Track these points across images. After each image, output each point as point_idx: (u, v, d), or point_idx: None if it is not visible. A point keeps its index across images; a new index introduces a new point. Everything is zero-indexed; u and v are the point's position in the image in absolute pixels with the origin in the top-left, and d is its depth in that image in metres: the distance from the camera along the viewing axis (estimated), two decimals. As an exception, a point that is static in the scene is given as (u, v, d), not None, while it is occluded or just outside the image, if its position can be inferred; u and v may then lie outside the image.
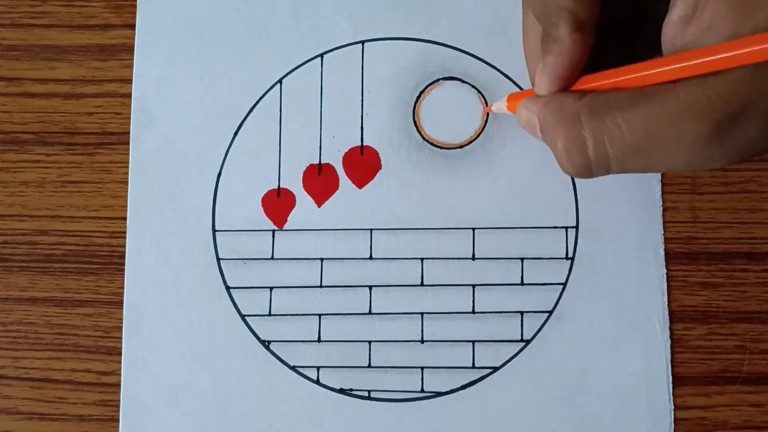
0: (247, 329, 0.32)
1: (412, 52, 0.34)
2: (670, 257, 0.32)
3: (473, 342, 0.32)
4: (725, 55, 0.21)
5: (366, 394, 0.32)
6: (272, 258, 0.32)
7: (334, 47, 0.34)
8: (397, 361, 0.32)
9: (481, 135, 0.33)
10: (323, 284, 0.32)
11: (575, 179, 0.32)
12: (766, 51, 0.20)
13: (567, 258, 0.32)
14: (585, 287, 0.32)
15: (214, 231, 0.33)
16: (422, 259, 0.32)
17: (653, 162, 0.23)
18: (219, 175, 0.33)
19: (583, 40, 0.24)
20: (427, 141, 0.33)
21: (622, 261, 0.32)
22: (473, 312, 0.32)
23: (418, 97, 0.33)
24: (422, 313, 0.32)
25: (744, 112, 0.21)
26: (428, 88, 0.33)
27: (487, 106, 0.33)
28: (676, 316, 0.32)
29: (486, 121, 0.33)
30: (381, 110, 0.33)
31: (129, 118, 0.34)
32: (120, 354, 0.32)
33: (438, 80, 0.33)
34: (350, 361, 0.32)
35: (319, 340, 0.32)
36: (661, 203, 0.32)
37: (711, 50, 0.21)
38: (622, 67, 0.24)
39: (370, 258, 0.32)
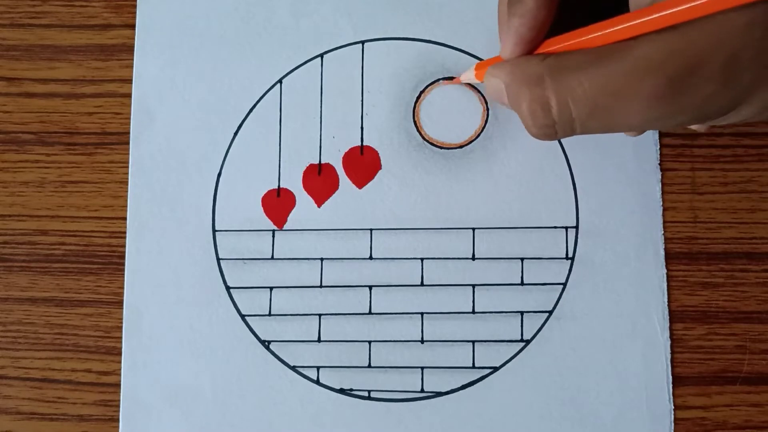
0: (247, 329, 0.32)
1: (412, 52, 0.34)
2: (670, 257, 0.32)
3: (473, 342, 0.32)
4: (679, 8, 0.20)
5: (366, 394, 0.32)
6: (272, 258, 0.32)
7: (334, 47, 0.34)
8: (397, 361, 0.32)
9: (481, 135, 0.33)
10: (323, 284, 0.32)
11: (575, 179, 0.32)
12: (719, 1, 0.20)
13: (567, 258, 0.32)
14: (585, 287, 0.32)
15: (214, 231, 0.33)
16: (422, 259, 0.32)
17: (614, 120, 0.23)
18: (219, 175, 0.33)
19: (548, 2, 0.24)
20: (427, 141, 0.33)
21: (622, 261, 0.32)
22: (473, 312, 0.32)
23: (418, 97, 0.33)
24: (422, 313, 0.32)
25: (699, 66, 0.21)
26: (428, 88, 0.33)
27: (458, 77, 0.32)
28: (676, 316, 0.32)
29: (486, 121, 0.33)
30: (381, 110, 0.33)
31: (129, 118, 0.34)
32: (120, 354, 0.32)
33: (438, 80, 0.33)
34: (350, 361, 0.32)
35: (319, 340, 0.32)
36: (661, 203, 0.32)
37: (665, 5, 0.21)
38: (584, 28, 0.24)
39: (370, 258, 0.32)
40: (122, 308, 0.32)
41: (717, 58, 0.21)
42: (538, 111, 0.24)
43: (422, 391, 0.31)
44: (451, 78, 0.33)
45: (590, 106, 0.23)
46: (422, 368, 0.32)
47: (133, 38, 0.34)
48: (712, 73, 0.21)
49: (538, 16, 0.24)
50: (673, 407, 0.31)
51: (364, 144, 0.33)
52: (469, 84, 0.33)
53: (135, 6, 0.34)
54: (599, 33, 0.23)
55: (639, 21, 0.22)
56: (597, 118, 0.23)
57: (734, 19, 0.20)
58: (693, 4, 0.20)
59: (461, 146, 0.33)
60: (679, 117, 0.22)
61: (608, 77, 0.22)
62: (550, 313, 0.32)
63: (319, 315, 0.32)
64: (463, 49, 0.33)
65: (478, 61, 0.30)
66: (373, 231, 0.32)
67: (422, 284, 0.32)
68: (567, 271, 0.32)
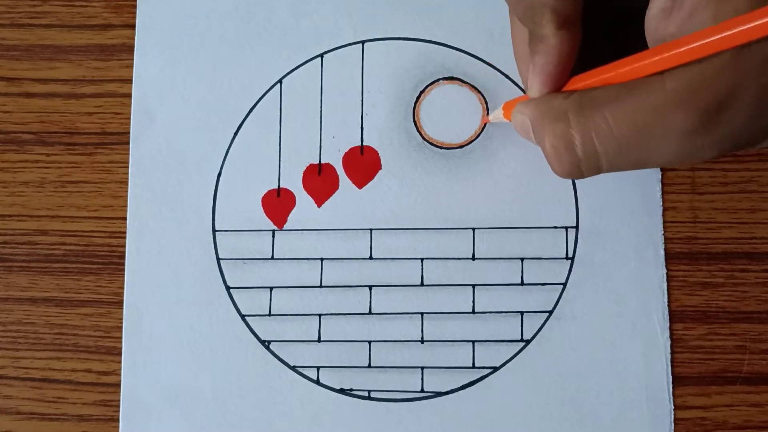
0: (247, 329, 0.32)
1: (412, 52, 0.34)
2: (670, 257, 0.32)
3: (473, 342, 0.32)
4: (707, 40, 0.20)
5: (366, 394, 0.32)
6: (272, 258, 0.32)
7: (334, 47, 0.34)
8: (397, 361, 0.32)
9: (481, 135, 0.33)
10: (323, 284, 0.32)
11: (575, 180, 0.32)
12: (747, 33, 0.20)
13: (567, 258, 0.32)
14: (585, 287, 0.32)
15: (214, 231, 0.33)
16: (422, 259, 0.32)
17: (643, 156, 0.23)
18: (219, 175, 0.33)
19: (570, 37, 0.24)
20: (427, 141, 0.33)
21: (622, 261, 0.32)
22: (473, 312, 0.32)
23: (418, 97, 0.33)
24: (422, 313, 0.32)
25: (730, 99, 0.21)
26: (428, 88, 0.33)
27: (486, 114, 0.33)
28: (676, 316, 0.32)
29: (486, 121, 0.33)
30: (381, 110, 0.33)
31: (129, 118, 0.34)
32: (120, 354, 0.32)
33: (438, 80, 0.33)
34: (350, 361, 0.32)
35: (319, 340, 0.32)
36: (661, 203, 0.32)
37: (692, 38, 0.21)
38: (610, 64, 0.24)
39: (370, 258, 0.32)
40: (122, 308, 0.32)
41: (748, 90, 0.21)
42: (561, 148, 0.23)
43: (422, 391, 0.31)
44: (454, 78, 0.33)
45: (617, 142, 0.22)
46: (422, 368, 0.32)
47: (133, 38, 0.34)
48: (744, 105, 0.21)
49: (562, 52, 0.24)
50: (673, 407, 0.31)
51: (364, 144, 0.33)
52: (470, 84, 0.33)
53: (135, 6, 0.34)
54: (626, 68, 0.23)
55: (667, 55, 0.21)
56: (625, 155, 0.23)
57: (763, 49, 0.20)
58: (721, 35, 0.20)
59: (461, 146, 0.33)
60: (711, 150, 0.22)
61: (637, 112, 0.22)
62: (550, 313, 0.32)
63: (319, 315, 0.32)
64: (463, 49, 0.33)
65: (505, 102, 0.31)
66: (373, 231, 0.32)
67: (422, 284, 0.32)
68: (567, 271, 0.32)
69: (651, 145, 0.22)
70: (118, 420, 0.32)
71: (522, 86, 0.31)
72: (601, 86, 0.23)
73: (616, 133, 0.22)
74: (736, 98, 0.21)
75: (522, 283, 0.32)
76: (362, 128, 0.33)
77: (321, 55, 0.34)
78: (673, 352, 0.31)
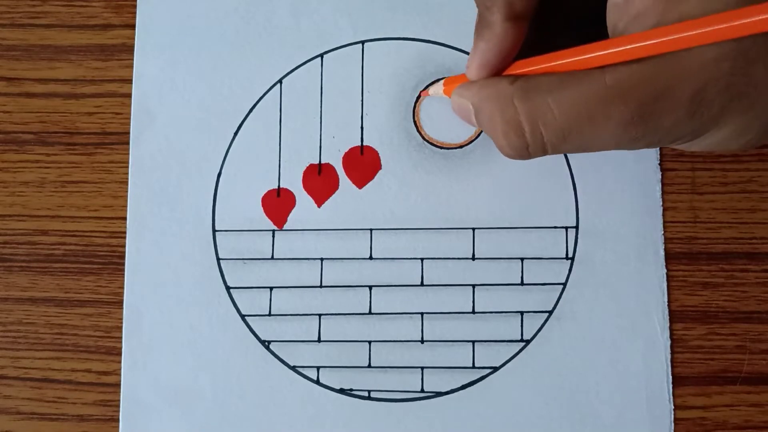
0: (247, 329, 0.32)
1: (412, 52, 0.34)
2: (670, 257, 0.32)
3: (473, 342, 0.32)
4: (648, 42, 0.21)
5: (366, 394, 0.32)
6: (272, 258, 0.32)
7: (334, 47, 0.34)
8: (397, 361, 0.32)
9: (481, 135, 0.33)
10: (323, 284, 0.32)
11: (575, 179, 0.32)
12: (687, 39, 0.21)
13: (567, 258, 0.32)
14: (585, 287, 0.32)
15: (214, 231, 0.33)
16: (422, 259, 0.32)
17: (586, 143, 0.24)
18: (219, 175, 0.33)
19: (516, 30, 0.25)
20: (427, 141, 0.33)
21: (622, 261, 0.32)
22: (473, 312, 0.32)
23: (418, 97, 0.33)
24: (422, 313, 0.32)
25: (666, 94, 0.22)
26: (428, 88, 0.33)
27: (426, 88, 0.33)
28: (676, 316, 0.32)
29: (486, 121, 0.33)
30: (381, 110, 0.33)
31: (129, 118, 0.34)
32: (120, 354, 0.32)
33: (438, 80, 0.33)
34: (350, 361, 0.32)
35: (319, 340, 0.32)
36: (661, 203, 0.32)
37: (635, 38, 0.22)
38: (554, 53, 0.24)
39: (370, 258, 0.32)
40: (122, 308, 0.32)
41: (685, 89, 0.22)
42: (512, 134, 0.24)
43: (422, 391, 0.31)
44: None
45: (560, 129, 0.23)
46: (422, 368, 0.32)
47: (133, 38, 0.34)
48: (679, 102, 0.22)
49: (505, 42, 0.25)
50: (673, 407, 0.31)
51: (364, 144, 0.33)
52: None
53: (135, 6, 0.34)
54: (571, 59, 0.23)
55: (612, 51, 0.22)
56: (569, 141, 0.24)
57: (703, 54, 0.21)
58: (664, 39, 0.21)
59: (461, 146, 0.33)
60: (648, 139, 0.23)
61: (579, 102, 0.23)
62: (550, 313, 0.32)
63: (319, 315, 0.32)
64: (463, 49, 0.33)
65: (446, 77, 0.31)
66: (373, 231, 0.32)
67: (422, 284, 0.32)
68: (567, 271, 0.32)
69: (591, 133, 0.23)
70: (118, 420, 0.32)
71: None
72: (546, 74, 0.24)
73: (559, 120, 0.23)
74: (672, 95, 0.22)
75: (522, 283, 0.32)
76: (362, 128, 0.33)
77: (321, 55, 0.34)
78: (673, 352, 0.31)
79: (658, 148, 0.32)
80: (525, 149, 0.25)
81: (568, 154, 0.33)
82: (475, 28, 0.25)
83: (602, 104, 0.22)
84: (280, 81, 0.34)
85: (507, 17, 0.24)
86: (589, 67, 0.23)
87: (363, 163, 0.33)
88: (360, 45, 0.34)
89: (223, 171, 0.33)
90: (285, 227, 0.33)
